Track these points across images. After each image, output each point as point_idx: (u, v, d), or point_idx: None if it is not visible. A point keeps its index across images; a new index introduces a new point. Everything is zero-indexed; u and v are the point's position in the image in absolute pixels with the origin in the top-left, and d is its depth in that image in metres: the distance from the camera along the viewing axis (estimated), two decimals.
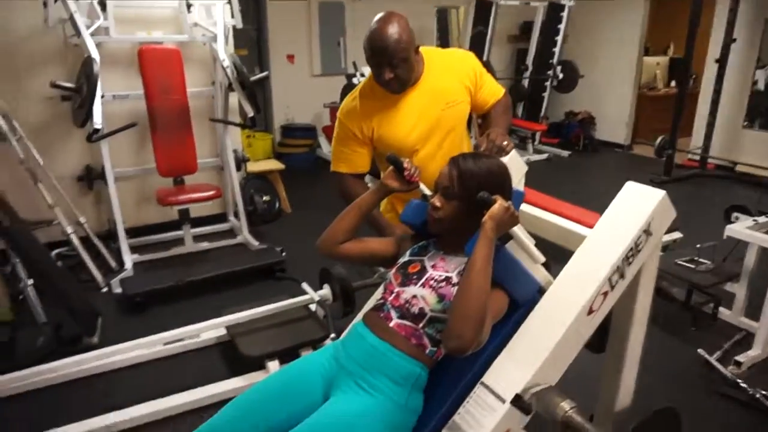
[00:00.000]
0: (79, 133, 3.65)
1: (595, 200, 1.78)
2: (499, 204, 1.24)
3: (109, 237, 3.81)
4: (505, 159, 1.66)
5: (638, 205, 1.35)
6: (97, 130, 3.21)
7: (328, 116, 6.39)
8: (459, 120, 1.95)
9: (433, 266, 1.38)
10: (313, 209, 4.82)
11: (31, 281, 2.88)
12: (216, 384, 2.40)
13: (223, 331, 2.70)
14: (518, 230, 1.35)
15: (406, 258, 1.45)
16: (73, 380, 2.46)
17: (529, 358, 1.24)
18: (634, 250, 1.32)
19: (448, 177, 1.36)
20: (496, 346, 1.32)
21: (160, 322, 2.88)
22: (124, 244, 3.62)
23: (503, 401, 1.20)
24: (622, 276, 1.32)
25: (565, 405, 1.19)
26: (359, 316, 1.48)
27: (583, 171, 6.47)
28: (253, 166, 4.55)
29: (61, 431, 2.10)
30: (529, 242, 1.35)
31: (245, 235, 4.01)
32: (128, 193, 3.93)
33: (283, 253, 3.58)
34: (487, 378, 1.27)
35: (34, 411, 2.28)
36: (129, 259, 3.57)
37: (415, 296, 1.33)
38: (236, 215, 4.17)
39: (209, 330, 2.71)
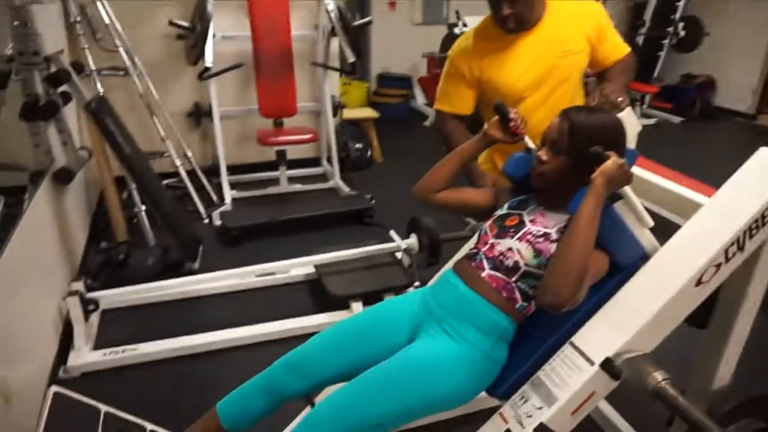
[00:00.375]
0: (190, 71, 3.85)
1: (707, 174, 1.63)
2: (613, 160, 1.17)
3: (212, 172, 4.04)
4: (620, 115, 1.56)
5: None
6: (207, 69, 3.37)
7: (425, 67, 6.28)
8: (575, 71, 1.85)
9: (532, 221, 1.33)
10: (403, 160, 4.83)
11: (143, 207, 3.15)
12: (301, 318, 2.52)
13: (311, 269, 2.82)
14: (629, 190, 1.26)
15: (504, 211, 1.40)
16: (175, 300, 2.69)
17: (625, 323, 1.18)
18: (759, 222, 1.20)
19: (557, 130, 1.28)
20: (589, 308, 1.27)
21: (253, 256, 3.05)
22: (225, 179, 3.84)
23: (592, 363, 1.17)
24: (740, 248, 1.21)
25: (658, 375, 1.14)
26: (449, 263, 1.47)
27: (696, 140, 5.94)
28: (348, 113, 4.60)
29: (161, 344, 2.32)
30: (638, 203, 1.26)
31: (337, 181, 4.11)
32: (231, 131, 4.13)
33: (373, 201, 3.64)
34: (577, 338, 1.23)
35: (139, 323, 2.53)
36: (229, 194, 3.79)
37: (510, 249, 1.29)
38: (329, 160, 4.26)
39: (299, 267, 2.84)
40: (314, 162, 4.52)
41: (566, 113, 1.30)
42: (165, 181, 3.79)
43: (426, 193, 1.47)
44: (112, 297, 2.47)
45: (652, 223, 1.27)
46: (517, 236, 1.31)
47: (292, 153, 3.96)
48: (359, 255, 2.74)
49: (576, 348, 1.22)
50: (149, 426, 1.64)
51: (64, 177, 2.44)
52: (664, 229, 1.35)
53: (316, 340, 1.42)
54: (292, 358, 1.40)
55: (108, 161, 2.91)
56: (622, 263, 1.27)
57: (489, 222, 1.40)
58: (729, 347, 1.44)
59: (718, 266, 1.21)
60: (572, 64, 1.82)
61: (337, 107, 4.26)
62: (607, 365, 1.15)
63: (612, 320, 1.23)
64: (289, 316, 2.53)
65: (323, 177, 4.41)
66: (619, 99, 1.59)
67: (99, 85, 3.07)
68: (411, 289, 1.80)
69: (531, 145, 1.44)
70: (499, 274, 1.30)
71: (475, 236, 1.45)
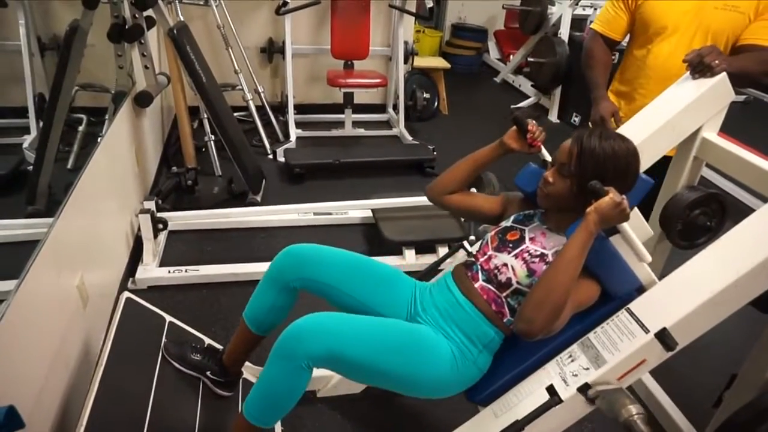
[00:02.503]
0: (267, 5, 3.87)
1: None
2: (610, 198, 1.12)
3: (279, 110, 4.11)
4: (711, 81, 1.47)
5: None
6: (285, 3, 3.37)
7: (503, 19, 6.03)
8: (727, 29, 1.77)
9: (532, 239, 1.31)
10: (470, 114, 4.74)
11: (213, 137, 3.25)
12: None
13: (368, 213, 2.86)
14: (627, 227, 1.20)
15: (508, 223, 1.39)
16: (236, 229, 2.81)
17: (688, 295, 1.15)
18: None
19: (567, 153, 1.24)
20: (575, 332, 1.27)
21: (313, 194, 3.12)
22: (291, 118, 3.90)
23: (647, 331, 1.15)
24: None
25: (633, 408, 1.08)
26: (450, 267, 1.47)
27: None
28: (419, 62, 4.51)
29: (221, 268, 2.45)
30: (637, 240, 1.20)
31: (401, 129, 4.09)
32: (301, 70, 4.15)
33: (435, 152, 3.61)
34: (634, 305, 1.21)
35: (202, 247, 2.67)
36: (294, 132, 3.85)
37: (505, 264, 1.30)
38: (395, 108, 4.23)
39: (356, 209, 2.89)
40: (380, 108, 4.50)
41: (579, 136, 1.24)
42: (235, 114, 3.88)
43: (438, 195, 1.48)
44: (180, 219, 2.61)
45: (650, 259, 1.22)
46: (514, 252, 1.30)
47: (359, 97, 3.95)
48: (417, 204, 2.74)
49: (632, 314, 1.20)
50: (207, 340, 1.76)
51: (143, 100, 2.54)
52: (738, 213, 1.29)
53: (327, 247, 1.45)
54: (294, 248, 1.43)
55: (183, 89, 3.01)
56: (614, 295, 1.26)
57: (492, 232, 1.40)
58: None
59: None
60: (727, 20, 1.75)
61: (409, 54, 4.18)
62: (663, 335, 1.13)
63: (675, 291, 1.20)
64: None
65: (387, 124, 4.40)
66: (716, 62, 1.49)
67: (180, 13, 3.14)
68: (465, 243, 1.79)
69: (548, 157, 1.40)
70: (491, 287, 1.30)
71: (478, 243, 1.45)
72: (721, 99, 1.56)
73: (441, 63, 4.77)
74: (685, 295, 1.16)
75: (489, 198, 1.52)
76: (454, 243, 2.58)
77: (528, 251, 1.29)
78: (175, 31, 2.64)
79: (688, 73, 1.59)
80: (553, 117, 4.85)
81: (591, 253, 1.17)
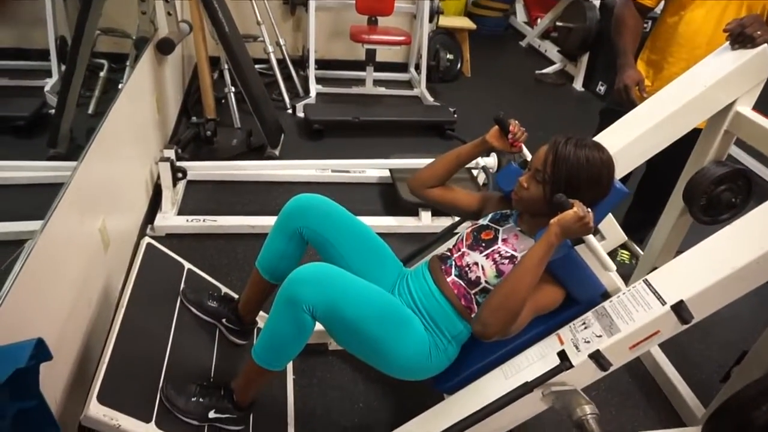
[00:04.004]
0: None
1: None
2: (574, 212, 1.12)
3: (300, 64, 4.06)
4: (751, 52, 1.43)
5: None
6: None
7: None
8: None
9: (505, 240, 1.32)
10: (492, 79, 4.64)
11: (233, 88, 3.23)
12: (370, 218, 2.58)
13: (386, 173, 2.85)
14: (591, 238, 1.19)
15: (485, 221, 1.41)
16: (254, 182, 2.82)
17: (710, 268, 1.14)
18: None
19: (542, 159, 1.23)
20: (540, 332, 1.30)
21: (331, 151, 3.11)
22: (312, 73, 3.85)
23: (664, 303, 1.15)
24: None
25: (587, 408, 1.12)
26: (428, 257, 1.49)
27: None
28: (444, 21, 4.40)
29: (238, 219, 2.47)
30: (602, 250, 1.19)
31: (422, 89, 4.03)
32: (324, 24, 4.07)
33: (455, 114, 3.56)
34: (652, 277, 1.21)
35: (220, 198, 2.68)
36: (314, 88, 3.81)
37: (476, 263, 1.31)
38: (417, 68, 4.16)
39: (374, 168, 2.88)
40: (402, 67, 4.43)
41: (555, 144, 1.23)
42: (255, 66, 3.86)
43: (419, 188, 1.49)
44: (199, 168, 2.62)
45: (614, 268, 1.21)
46: (486, 252, 1.32)
47: (381, 55, 3.89)
48: None
49: (649, 285, 1.19)
50: (224, 289, 1.79)
51: (165, 47, 2.52)
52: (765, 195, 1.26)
53: (334, 203, 1.47)
54: (306, 196, 1.46)
55: (205, 38, 2.97)
56: (579, 300, 1.28)
57: (468, 229, 1.41)
58: None
59: None
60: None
61: (435, 12, 4.08)
62: (679, 308, 1.13)
63: (695, 265, 1.19)
64: (357, 215, 2.60)
65: (408, 84, 4.34)
66: (758, 33, 1.44)
67: None
68: None
69: (529, 157, 1.40)
70: (461, 283, 1.32)
71: (454, 238, 1.47)
72: (760, 72, 1.51)
73: (466, 23, 4.64)
74: (706, 270, 1.16)
75: (469, 194, 1.55)
76: (459, 216, 2.59)
77: (499, 252, 1.31)
78: None
79: (728, 43, 1.54)
80: (578, 85, 4.73)
81: (556, 261, 1.19)
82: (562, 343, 1.25)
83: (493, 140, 1.41)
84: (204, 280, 1.75)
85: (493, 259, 1.30)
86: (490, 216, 1.43)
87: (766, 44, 1.47)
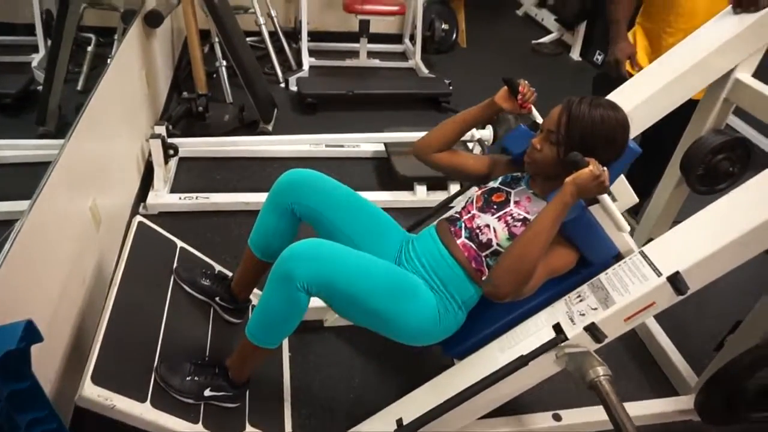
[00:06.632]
0: None
1: None
2: (590, 170, 1.10)
3: (293, 36, 3.98)
4: (754, 17, 1.40)
5: None
6: None
7: None
8: None
9: (517, 203, 1.29)
10: (488, 49, 4.57)
11: (224, 62, 3.17)
12: (365, 192, 2.54)
13: (381, 147, 2.82)
14: (606, 198, 1.16)
15: (495, 184, 1.38)
16: (246, 158, 2.78)
17: (706, 239, 1.13)
18: None
19: (556, 120, 1.20)
20: (551, 295, 1.28)
21: (325, 125, 3.07)
22: (305, 45, 3.78)
23: (659, 275, 1.14)
24: None
25: (600, 370, 1.12)
26: (435, 221, 1.45)
27: None
28: None
29: (231, 196, 2.44)
30: (616, 210, 1.17)
31: (417, 61, 3.96)
32: None
33: (451, 86, 3.51)
34: (648, 249, 1.20)
35: (212, 174, 2.66)
36: (307, 61, 3.74)
37: (488, 225, 1.28)
38: (412, 39, 4.09)
39: (369, 143, 2.85)
40: (396, 38, 4.35)
41: (568, 103, 1.20)
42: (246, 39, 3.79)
43: (425, 152, 1.46)
44: (190, 145, 2.59)
45: (628, 229, 1.19)
46: (498, 215, 1.29)
47: (375, 26, 3.81)
48: None
49: (645, 257, 1.19)
50: (218, 267, 1.78)
51: (154, 20, 2.46)
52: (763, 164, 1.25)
53: (328, 178, 1.44)
54: (297, 171, 1.43)
55: (194, 10, 2.89)
56: (592, 261, 1.27)
57: (478, 192, 1.38)
58: None
59: None
60: None
61: None
62: (675, 279, 1.12)
63: (691, 235, 1.18)
64: (354, 189, 2.58)
65: (403, 55, 4.27)
66: None
67: None
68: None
69: (539, 119, 1.36)
70: (472, 245, 1.29)
71: (463, 201, 1.42)
72: (762, 38, 1.48)
73: None
74: (702, 240, 1.15)
75: (476, 157, 1.52)
76: (465, 181, 2.58)
77: (511, 214, 1.28)
78: None
79: (729, 7, 1.50)
80: (575, 54, 4.66)
81: (569, 222, 1.17)
82: (557, 316, 1.24)
83: (502, 101, 1.37)
84: (197, 258, 1.74)
85: (506, 222, 1.28)
86: (500, 179, 1.40)
87: None
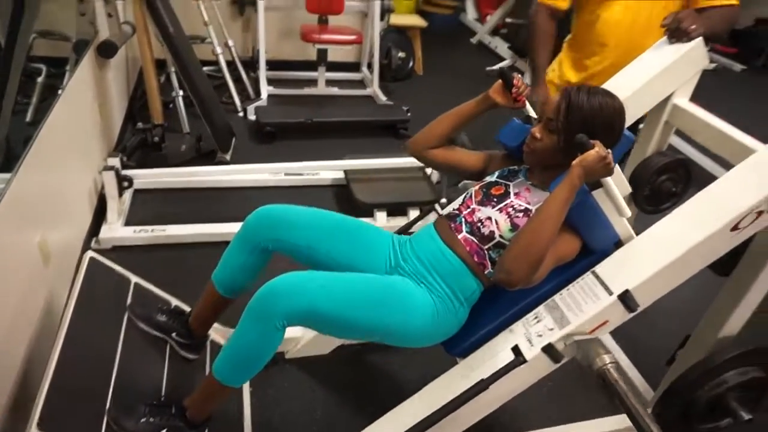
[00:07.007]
0: None
1: (759, 129, 1.54)
2: (596, 151, 1.12)
3: (250, 65, 3.99)
4: (686, 46, 1.48)
5: None
6: None
7: None
8: None
9: (517, 194, 1.31)
10: (445, 75, 4.68)
11: (181, 92, 3.14)
12: None
13: (340, 174, 2.83)
14: (610, 181, 1.20)
15: (493, 178, 1.39)
16: (204, 188, 2.76)
17: (652, 257, 1.18)
18: None
19: (555, 108, 1.24)
20: (553, 286, 1.29)
21: (284, 154, 3.07)
22: (263, 74, 3.79)
23: (611, 293, 1.17)
24: None
25: (606, 358, 1.13)
26: (432, 220, 1.47)
27: (756, 93, 5.57)
28: (395, 19, 4.40)
29: (189, 228, 2.40)
30: (618, 194, 1.21)
31: (375, 89, 4.02)
32: (274, 24, 4.01)
33: (409, 113, 3.57)
34: (599, 268, 1.24)
35: (169, 206, 2.61)
36: (265, 89, 3.75)
37: (489, 218, 1.29)
38: (369, 67, 4.15)
39: (328, 170, 2.85)
40: (354, 67, 4.41)
41: (567, 92, 1.24)
42: (203, 69, 3.76)
43: (420, 149, 1.45)
44: (146, 176, 2.54)
45: (629, 214, 1.22)
46: (499, 207, 1.30)
47: (333, 55, 3.86)
48: (389, 166, 2.73)
49: (597, 277, 1.22)
50: (174, 301, 1.73)
51: (107, 50, 2.43)
52: (702, 181, 1.31)
53: (300, 207, 1.43)
54: (266, 209, 1.41)
55: (150, 40, 2.87)
56: (594, 249, 1.27)
57: (476, 187, 1.39)
58: (747, 298, 1.43)
59: (759, 214, 1.17)
60: None
61: (386, 11, 4.07)
62: (625, 297, 1.16)
63: (640, 253, 1.22)
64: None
65: (361, 83, 4.33)
66: (692, 27, 1.49)
67: None
68: (437, 206, 1.79)
69: (532, 113, 1.40)
70: (474, 239, 1.30)
71: (460, 197, 1.44)
72: (695, 64, 1.57)
73: (417, 21, 4.66)
74: (648, 259, 1.19)
75: (472, 153, 1.51)
76: (425, 206, 2.60)
77: (512, 206, 1.29)
78: None
79: (665, 37, 1.59)
80: (528, 80, 4.81)
81: (573, 207, 1.18)
82: (515, 338, 1.26)
83: (496, 95, 1.38)
84: (153, 293, 1.69)
85: (507, 213, 1.28)
86: (497, 173, 1.41)
87: (700, 37, 1.53)
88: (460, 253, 1.30)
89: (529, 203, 1.28)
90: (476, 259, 1.30)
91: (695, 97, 1.68)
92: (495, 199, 1.32)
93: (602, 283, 1.20)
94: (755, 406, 1.47)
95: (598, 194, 1.24)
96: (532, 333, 1.24)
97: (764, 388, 1.49)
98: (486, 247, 1.29)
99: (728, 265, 1.46)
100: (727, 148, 1.44)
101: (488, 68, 4.89)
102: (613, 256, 1.27)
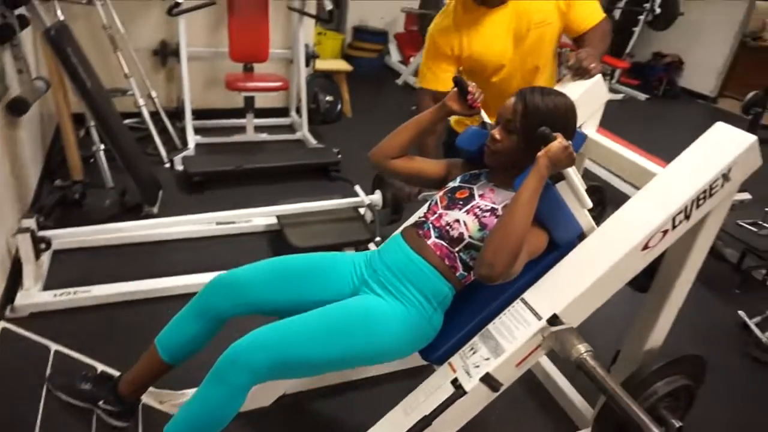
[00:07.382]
0: (159, 6, 3.69)
1: (665, 151, 1.69)
2: (559, 142, 1.21)
3: (176, 116, 3.92)
4: (588, 82, 1.60)
5: (724, 146, 1.28)
6: (177, 4, 3.23)
7: (402, 22, 6.16)
8: (546, 42, 1.92)
9: (481, 195, 1.36)
10: (373, 116, 4.79)
11: (102, 146, 3.04)
12: None
13: (273, 220, 2.80)
14: (572, 172, 1.29)
15: (456, 183, 1.44)
16: (131, 244, 2.64)
17: (575, 280, 1.24)
18: (706, 193, 1.25)
19: (512, 110, 1.32)
20: (523, 283, 1.33)
21: (215, 203, 3.00)
22: (189, 124, 3.74)
23: (540, 318, 1.22)
24: (687, 217, 1.27)
25: (582, 348, 1.18)
26: (399, 230, 1.50)
27: (658, 119, 6.08)
28: (320, 65, 4.50)
29: (115, 287, 2.28)
30: (579, 185, 1.30)
31: (304, 133, 4.05)
32: (198, 73, 3.98)
33: (339, 155, 3.60)
34: (527, 295, 1.28)
35: (93, 265, 2.47)
36: (192, 139, 3.69)
37: (457, 220, 1.33)
38: (298, 111, 4.19)
39: (261, 217, 2.82)
40: (282, 112, 4.43)
41: (522, 94, 1.32)
42: (126, 121, 3.63)
43: (380, 159, 1.49)
44: (65, 236, 2.40)
45: (590, 205, 1.32)
46: (465, 209, 1.34)
47: (260, 101, 3.87)
48: (322, 208, 2.73)
49: (526, 303, 1.27)
50: (100, 366, 1.63)
51: (18, 107, 2.32)
52: (618, 202, 1.40)
53: (253, 265, 1.41)
54: (223, 278, 1.39)
55: (66, 95, 2.79)
56: (559, 241, 1.33)
57: (440, 193, 1.44)
58: (666, 311, 1.52)
59: (665, 233, 1.26)
60: (543, 36, 1.90)
61: (310, 57, 4.15)
62: (554, 321, 1.20)
63: (562, 278, 1.28)
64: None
65: (291, 128, 4.34)
66: (592, 65, 1.63)
67: (60, 12, 2.89)
68: (372, 245, 1.81)
69: (486, 119, 1.48)
70: (443, 243, 1.34)
71: (425, 205, 1.48)
72: (598, 98, 1.69)
73: (343, 65, 4.78)
74: (571, 282, 1.25)
75: (433, 162, 1.55)
76: (360, 245, 2.62)
77: (478, 206, 1.33)
78: (52, 32, 2.44)
79: (569, 76, 1.71)
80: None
81: (540, 200, 1.22)
82: (454, 371, 1.27)
83: (452, 103, 1.43)
84: (75, 360, 1.59)
85: (474, 214, 1.31)
86: (459, 178, 1.45)
87: (599, 74, 1.66)
88: (430, 259, 1.33)
89: (494, 203, 1.33)
90: (447, 263, 1.32)
91: (609, 125, 1.81)
92: (461, 202, 1.36)
93: (531, 309, 1.25)
94: (684, 414, 1.54)
95: (559, 187, 1.31)
96: (470, 364, 1.26)
97: (691, 395, 1.58)
98: (456, 249, 1.32)
99: (646, 282, 1.55)
100: (632, 172, 1.55)
101: (413, 107, 5.03)
102: (540, 281, 1.32)
